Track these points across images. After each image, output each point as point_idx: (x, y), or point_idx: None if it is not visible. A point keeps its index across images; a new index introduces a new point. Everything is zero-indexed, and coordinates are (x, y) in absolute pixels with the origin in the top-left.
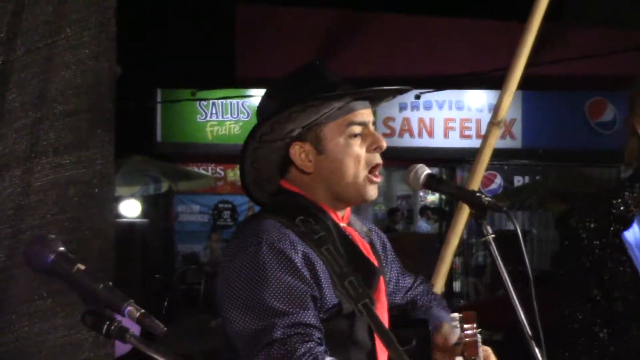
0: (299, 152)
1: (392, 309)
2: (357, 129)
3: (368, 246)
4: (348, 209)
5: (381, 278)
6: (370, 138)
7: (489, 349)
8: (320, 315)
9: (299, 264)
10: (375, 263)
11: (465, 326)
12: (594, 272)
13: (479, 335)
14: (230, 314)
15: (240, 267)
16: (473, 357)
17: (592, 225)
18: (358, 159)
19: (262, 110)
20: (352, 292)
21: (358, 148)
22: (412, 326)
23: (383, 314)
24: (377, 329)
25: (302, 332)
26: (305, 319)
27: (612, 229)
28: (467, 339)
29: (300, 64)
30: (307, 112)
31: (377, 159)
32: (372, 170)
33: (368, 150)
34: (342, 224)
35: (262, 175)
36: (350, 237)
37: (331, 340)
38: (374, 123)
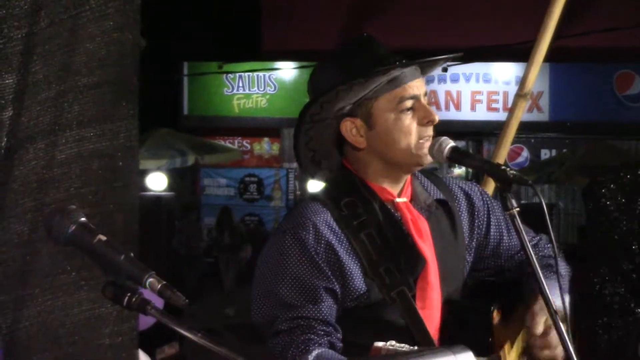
0: (350, 128)
1: (500, 273)
2: (408, 104)
3: (426, 225)
4: (408, 182)
5: (429, 263)
6: (422, 111)
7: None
8: (348, 303)
9: (317, 256)
10: (428, 246)
11: None
12: (622, 244)
13: None
14: (253, 299)
15: (265, 254)
16: None
17: (619, 198)
18: (409, 132)
19: (312, 87)
20: (387, 280)
21: (409, 121)
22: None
23: (431, 298)
24: (409, 317)
25: (305, 324)
26: (311, 314)
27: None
28: None
29: (326, 38)
30: (354, 89)
31: (429, 131)
32: (424, 140)
33: (420, 124)
34: (398, 200)
35: (319, 155)
36: (399, 220)
37: (363, 326)
38: (426, 94)
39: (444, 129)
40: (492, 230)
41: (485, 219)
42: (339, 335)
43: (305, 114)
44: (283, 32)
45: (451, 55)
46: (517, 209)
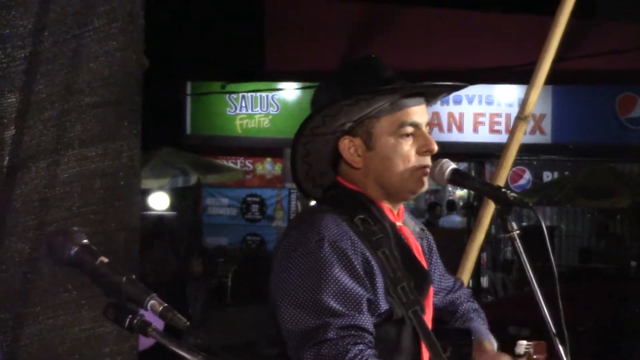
0: (349, 147)
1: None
2: (408, 129)
3: (420, 248)
4: (402, 207)
5: (431, 284)
6: (422, 140)
7: None
8: (372, 320)
9: (358, 266)
10: (426, 267)
11: (535, 357)
12: None
13: None
14: (284, 308)
15: (299, 262)
16: None
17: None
18: (407, 159)
19: (315, 102)
20: (403, 299)
21: (408, 148)
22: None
23: (429, 319)
24: (424, 337)
25: (355, 334)
26: (360, 322)
27: None
28: None
29: (329, 59)
30: (358, 105)
31: (427, 161)
32: (421, 171)
33: (418, 152)
34: (398, 223)
35: (314, 169)
36: (405, 240)
37: (378, 346)
38: (428, 124)
39: (447, 150)
40: (439, 268)
41: (435, 257)
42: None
43: (306, 126)
44: (286, 52)
45: (457, 84)
46: (517, 231)
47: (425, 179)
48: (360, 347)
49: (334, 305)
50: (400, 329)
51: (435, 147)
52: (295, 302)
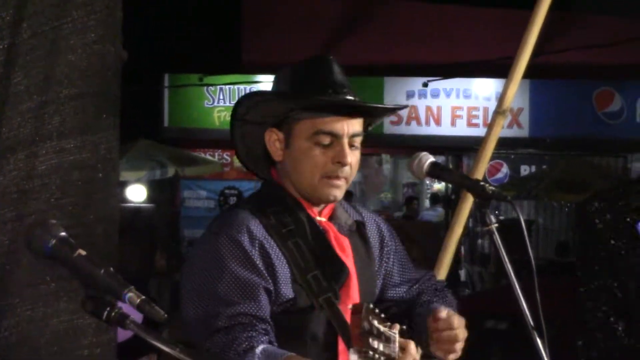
0: (273, 140)
1: (400, 303)
2: (323, 139)
3: (347, 242)
4: (328, 206)
5: (351, 275)
6: (335, 151)
7: (407, 343)
8: (274, 309)
9: (254, 257)
10: (349, 260)
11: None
12: (608, 262)
13: (379, 328)
14: (185, 300)
15: (199, 257)
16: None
17: (608, 216)
18: (316, 166)
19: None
20: (314, 287)
21: (319, 156)
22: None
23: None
24: (337, 324)
25: (245, 321)
26: (251, 310)
27: (627, 219)
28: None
29: (307, 51)
30: (272, 104)
31: (339, 172)
32: (331, 177)
33: (330, 161)
34: (319, 218)
35: (253, 153)
36: (323, 233)
37: (286, 334)
38: (358, 135)
39: (424, 143)
40: (396, 262)
41: (392, 251)
42: (273, 336)
43: (236, 111)
44: (264, 44)
45: (385, 107)
46: (496, 224)
47: (334, 189)
48: (250, 333)
49: (227, 295)
50: (308, 317)
51: (347, 160)
52: (194, 294)
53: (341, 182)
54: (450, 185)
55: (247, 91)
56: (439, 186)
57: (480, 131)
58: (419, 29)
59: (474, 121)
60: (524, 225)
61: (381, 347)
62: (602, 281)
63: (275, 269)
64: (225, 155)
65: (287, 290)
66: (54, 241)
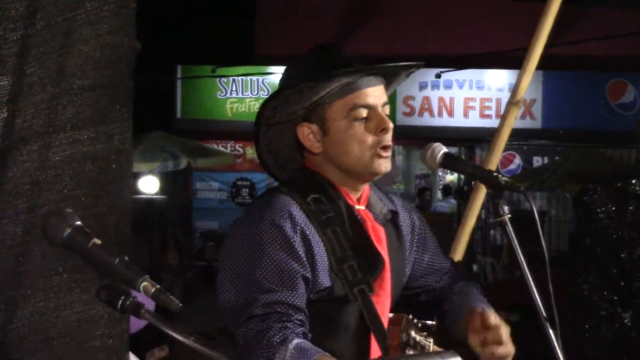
0: (307, 133)
1: (429, 292)
2: (360, 112)
3: (383, 232)
4: (366, 191)
5: (386, 267)
6: (375, 120)
7: None
8: (311, 296)
9: (295, 243)
10: (384, 251)
11: (391, 328)
12: (611, 251)
13: (415, 338)
14: (223, 283)
15: (239, 240)
16: None
17: (609, 206)
18: (362, 141)
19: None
20: (349, 277)
21: (362, 131)
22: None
23: (384, 302)
24: (369, 316)
25: (282, 311)
26: (289, 299)
27: (630, 209)
28: (390, 342)
29: (339, 41)
30: (303, 93)
31: (385, 140)
32: (380, 148)
33: (374, 133)
34: (357, 207)
35: (281, 158)
36: (361, 222)
37: (320, 322)
38: (387, 103)
39: (437, 135)
40: (427, 250)
41: (422, 239)
42: (308, 326)
43: (260, 117)
44: (277, 36)
45: (404, 64)
46: (509, 215)
47: (384, 161)
48: (285, 324)
49: (265, 281)
50: (343, 307)
51: (390, 125)
52: (232, 279)
53: (389, 153)
54: (462, 177)
55: (260, 82)
56: (451, 177)
57: (493, 122)
58: (432, 19)
59: (487, 112)
60: (537, 216)
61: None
62: (603, 272)
63: (314, 256)
64: (237, 147)
65: (324, 279)
66: (69, 230)
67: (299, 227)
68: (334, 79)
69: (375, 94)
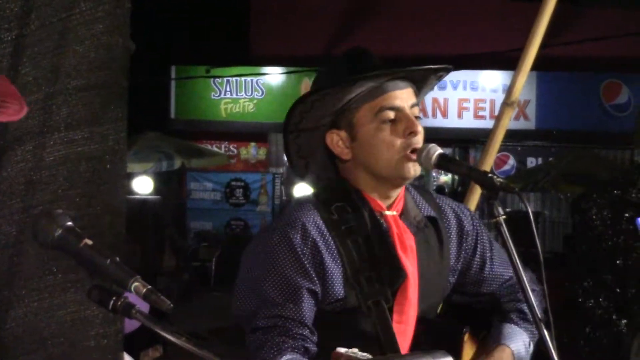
0: (336, 140)
1: (486, 300)
2: (388, 114)
3: (412, 240)
4: (400, 196)
5: (409, 277)
6: (404, 123)
7: None
8: (325, 307)
9: (303, 256)
10: (412, 261)
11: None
12: (607, 258)
13: None
14: (235, 290)
15: (254, 251)
16: None
17: (605, 212)
18: (391, 145)
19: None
20: (365, 288)
21: (390, 134)
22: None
23: (408, 312)
24: (381, 328)
25: (282, 325)
26: (290, 313)
27: (626, 215)
28: None
29: (315, 44)
30: (326, 99)
31: (415, 143)
32: (409, 152)
33: (403, 136)
34: (388, 213)
35: (312, 163)
36: (385, 231)
37: (336, 332)
38: (416, 104)
39: (431, 136)
40: (477, 255)
41: (472, 244)
42: (315, 339)
43: (289, 122)
44: (271, 37)
45: (428, 67)
46: (504, 216)
47: (413, 165)
48: (283, 339)
49: (271, 294)
50: (359, 318)
51: (420, 128)
52: (242, 287)
53: (415, 158)
54: (457, 178)
55: (254, 83)
56: (445, 178)
57: (487, 123)
58: (427, 21)
59: (481, 113)
60: (532, 217)
61: None
62: (599, 278)
63: (325, 268)
64: (231, 147)
65: (338, 290)
66: (60, 231)
67: (310, 239)
68: (357, 84)
69: (401, 95)
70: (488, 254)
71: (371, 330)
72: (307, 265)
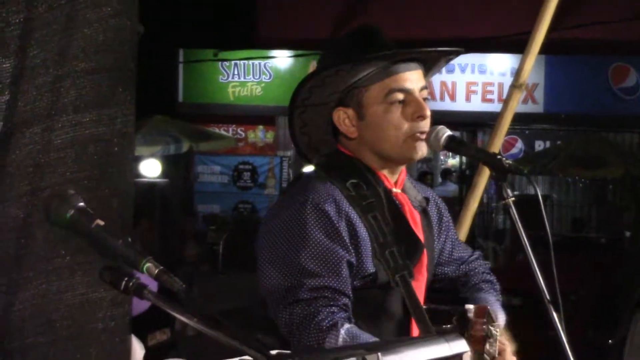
0: (343, 118)
1: (444, 281)
2: (397, 96)
3: (418, 217)
4: (402, 174)
5: (425, 252)
6: (413, 106)
7: (506, 345)
8: (355, 283)
9: (340, 228)
10: (421, 236)
11: (475, 320)
12: None
13: (491, 330)
14: (265, 267)
15: (282, 223)
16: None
17: None
18: (398, 127)
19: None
20: (391, 263)
21: (398, 116)
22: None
23: (421, 288)
24: (410, 302)
25: (329, 296)
26: (335, 284)
27: None
28: (473, 333)
29: (322, 27)
30: (339, 75)
31: (421, 126)
32: (413, 135)
33: (411, 119)
34: (395, 190)
35: (314, 140)
36: (399, 207)
37: (362, 309)
38: (425, 87)
39: (439, 119)
40: (449, 239)
41: (447, 226)
42: (351, 311)
43: (297, 97)
44: (279, 20)
45: (443, 49)
46: (513, 198)
47: (420, 145)
48: (332, 309)
49: (310, 265)
50: (386, 294)
51: (428, 112)
52: (275, 262)
53: (423, 137)
54: (464, 160)
55: (262, 66)
56: (453, 161)
57: (495, 107)
58: (435, 3)
59: (489, 97)
60: (541, 200)
61: (491, 348)
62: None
63: (359, 242)
64: (239, 131)
65: (369, 265)
66: (72, 211)
67: (343, 212)
68: (371, 62)
69: (412, 77)
70: (455, 238)
71: (396, 307)
72: (345, 237)
